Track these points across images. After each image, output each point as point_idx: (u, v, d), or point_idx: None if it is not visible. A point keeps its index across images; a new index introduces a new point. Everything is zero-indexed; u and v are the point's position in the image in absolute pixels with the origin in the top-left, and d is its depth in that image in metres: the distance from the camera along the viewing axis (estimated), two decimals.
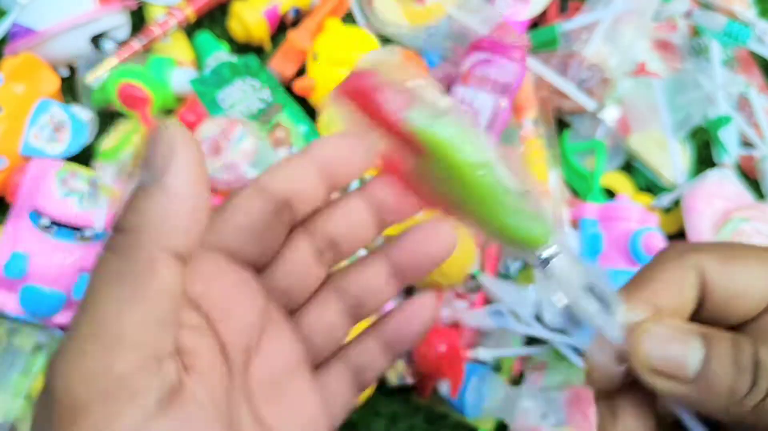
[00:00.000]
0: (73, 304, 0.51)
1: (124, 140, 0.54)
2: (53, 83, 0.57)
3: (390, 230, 0.24)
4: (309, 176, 0.22)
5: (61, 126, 0.54)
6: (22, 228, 0.51)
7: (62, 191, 0.51)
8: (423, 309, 0.25)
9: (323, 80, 0.57)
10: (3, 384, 0.49)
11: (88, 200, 0.52)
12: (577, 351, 0.51)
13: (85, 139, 0.56)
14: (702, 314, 0.22)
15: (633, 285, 0.22)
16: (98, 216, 0.52)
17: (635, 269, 0.24)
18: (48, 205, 0.51)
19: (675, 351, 0.20)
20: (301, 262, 0.23)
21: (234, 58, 0.58)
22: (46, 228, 0.51)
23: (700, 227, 0.56)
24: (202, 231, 0.19)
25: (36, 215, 0.51)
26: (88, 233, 0.52)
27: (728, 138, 0.60)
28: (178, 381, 0.18)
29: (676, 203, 0.59)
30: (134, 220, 0.19)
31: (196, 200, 0.19)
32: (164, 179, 0.19)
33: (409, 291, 0.56)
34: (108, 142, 0.55)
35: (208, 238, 0.22)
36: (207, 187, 0.19)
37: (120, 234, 0.19)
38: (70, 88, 0.60)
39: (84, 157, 0.56)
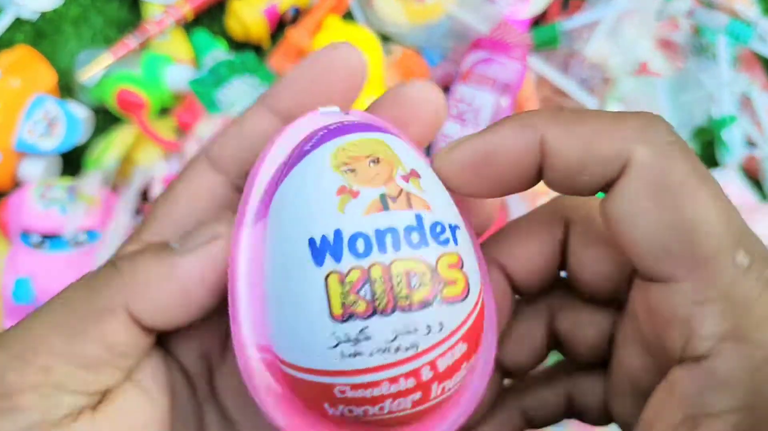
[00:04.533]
0: None
1: (107, 146, 0.53)
2: (50, 79, 0.57)
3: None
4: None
5: (55, 122, 0.54)
6: (18, 253, 0.51)
7: (42, 205, 0.51)
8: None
9: None
10: None
11: (70, 205, 0.52)
12: None
13: (80, 135, 0.55)
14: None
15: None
16: (80, 219, 0.52)
17: None
18: (33, 221, 0.51)
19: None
20: None
21: (231, 56, 0.57)
22: (39, 245, 0.51)
23: None
24: (181, 320, 0.19)
25: (26, 235, 0.51)
26: (79, 237, 0.52)
27: (732, 138, 0.60)
28: (77, 414, 0.18)
29: None
30: (127, 271, 0.19)
31: (195, 294, 0.19)
32: (179, 258, 0.19)
33: None
34: (95, 151, 0.55)
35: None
36: (214, 296, 0.19)
37: (106, 268, 0.19)
38: (67, 85, 0.59)
39: (79, 155, 0.56)
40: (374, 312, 0.16)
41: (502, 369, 0.23)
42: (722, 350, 0.16)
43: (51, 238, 0.51)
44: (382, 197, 0.17)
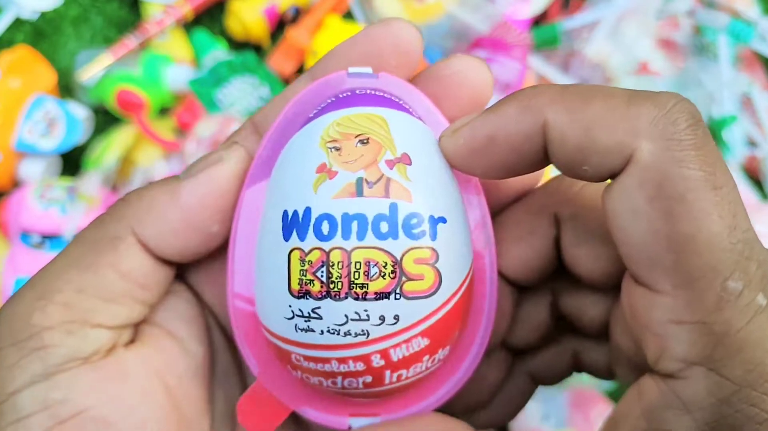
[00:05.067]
0: None
1: (106, 147, 0.53)
2: (50, 79, 0.57)
3: None
4: None
5: (55, 122, 0.54)
6: (18, 253, 0.51)
7: (42, 205, 0.51)
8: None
9: None
10: None
11: (70, 206, 0.52)
12: None
13: (80, 136, 0.55)
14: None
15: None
16: (80, 219, 0.51)
17: None
18: (33, 222, 0.51)
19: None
20: None
21: (231, 56, 0.57)
22: (39, 245, 0.51)
23: None
24: (190, 247, 0.20)
25: (25, 235, 0.51)
26: None
27: (733, 138, 0.60)
28: (106, 350, 0.19)
29: None
30: (134, 199, 0.19)
31: (199, 218, 0.19)
32: (182, 182, 0.19)
33: None
34: (95, 151, 0.55)
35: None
36: (219, 222, 0.20)
37: (116, 202, 0.20)
38: (67, 85, 0.59)
39: (79, 155, 0.56)
40: (327, 295, 0.17)
41: (510, 349, 0.23)
42: (691, 375, 0.16)
43: (51, 238, 0.51)
44: (359, 181, 0.17)
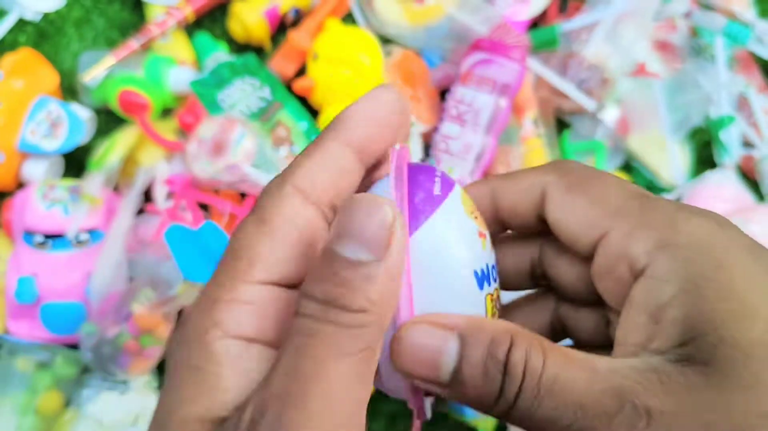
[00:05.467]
0: (91, 313, 0.51)
1: (109, 148, 0.54)
2: (53, 80, 0.57)
3: None
4: (348, 170, 0.21)
5: (58, 123, 0.54)
6: (21, 253, 0.51)
7: (45, 205, 0.52)
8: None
9: (323, 80, 0.57)
10: (11, 403, 0.49)
11: (73, 206, 0.52)
12: None
13: (82, 136, 0.56)
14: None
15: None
16: (83, 219, 0.52)
17: None
18: (36, 221, 0.51)
19: (430, 352, 0.20)
20: None
21: (232, 58, 0.58)
22: (42, 245, 0.51)
23: None
24: None
25: (29, 235, 0.51)
26: (82, 236, 0.52)
27: (729, 139, 0.61)
28: None
29: None
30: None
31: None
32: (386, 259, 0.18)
33: None
34: (98, 152, 0.55)
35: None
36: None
37: None
38: (70, 86, 0.60)
39: (82, 156, 0.56)
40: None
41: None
42: (655, 257, 0.20)
43: (54, 238, 0.52)
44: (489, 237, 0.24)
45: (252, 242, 0.20)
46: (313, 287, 0.18)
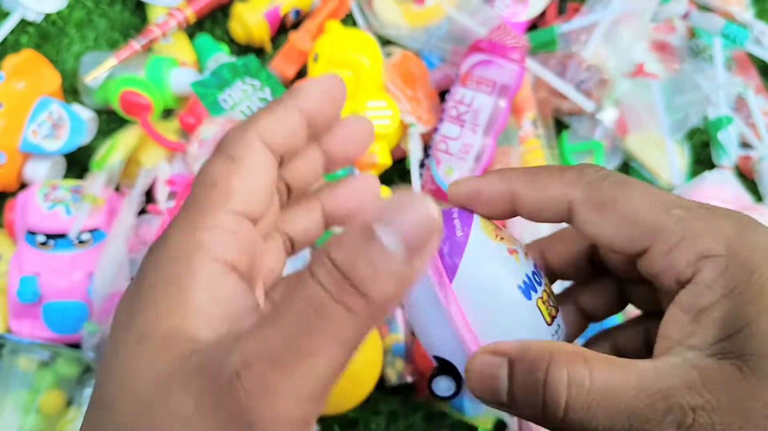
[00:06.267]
0: (93, 312, 0.51)
1: (111, 148, 0.54)
2: (54, 81, 0.57)
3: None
4: (299, 131, 0.24)
5: (59, 123, 0.55)
6: (23, 252, 0.52)
7: (47, 205, 0.52)
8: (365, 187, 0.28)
9: None
10: (14, 402, 0.49)
11: (75, 206, 0.52)
12: None
13: (84, 137, 0.56)
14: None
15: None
16: (85, 219, 0.52)
17: None
18: (38, 221, 0.51)
19: (489, 378, 0.23)
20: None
21: (233, 59, 0.58)
22: (44, 245, 0.51)
23: None
24: None
25: (31, 235, 0.52)
26: (84, 237, 0.52)
27: (727, 139, 0.61)
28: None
29: None
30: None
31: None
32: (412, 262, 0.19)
33: None
34: (100, 152, 0.56)
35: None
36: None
37: None
38: (72, 87, 0.60)
39: (84, 156, 0.57)
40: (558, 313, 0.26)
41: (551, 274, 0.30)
42: (699, 268, 0.22)
43: (56, 238, 0.52)
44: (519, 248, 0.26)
45: (224, 176, 0.22)
46: (338, 252, 0.18)
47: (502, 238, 0.25)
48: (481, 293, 0.24)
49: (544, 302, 0.25)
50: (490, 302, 0.24)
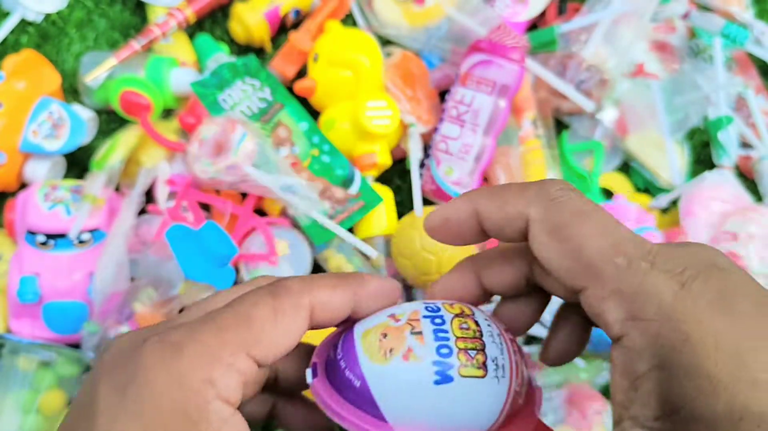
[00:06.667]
0: (93, 312, 0.51)
1: (111, 148, 0.54)
2: (55, 81, 0.57)
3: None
4: (345, 312, 0.26)
5: (60, 123, 0.55)
6: (23, 252, 0.52)
7: (47, 205, 0.52)
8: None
9: (324, 81, 0.57)
10: (14, 402, 0.49)
11: (75, 206, 0.52)
12: None
13: (84, 137, 0.56)
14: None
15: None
16: (85, 219, 0.52)
17: None
18: (38, 221, 0.51)
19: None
20: None
21: (233, 59, 0.58)
22: (44, 245, 0.51)
23: (698, 233, 0.56)
24: None
25: (31, 235, 0.52)
26: (84, 236, 0.52)
27: (727, 139, 0.61)
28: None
29: (674, 203, 0.60)
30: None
31: None
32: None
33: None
34: (100, 152, 0.56)
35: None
36: None
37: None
38: (72, 87, 0.60)
39: (84, 156, 0.57)
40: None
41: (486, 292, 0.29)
42: (628, 330, 0.22)
43: (56, 238, 0.52)
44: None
45: (266, 324, 0.23)
46: None
47: (391, 349, 0.24)
48: (419, 414, 0.23)
49: (466, 355, 0.24)
50: (429, 413, 0.23)
